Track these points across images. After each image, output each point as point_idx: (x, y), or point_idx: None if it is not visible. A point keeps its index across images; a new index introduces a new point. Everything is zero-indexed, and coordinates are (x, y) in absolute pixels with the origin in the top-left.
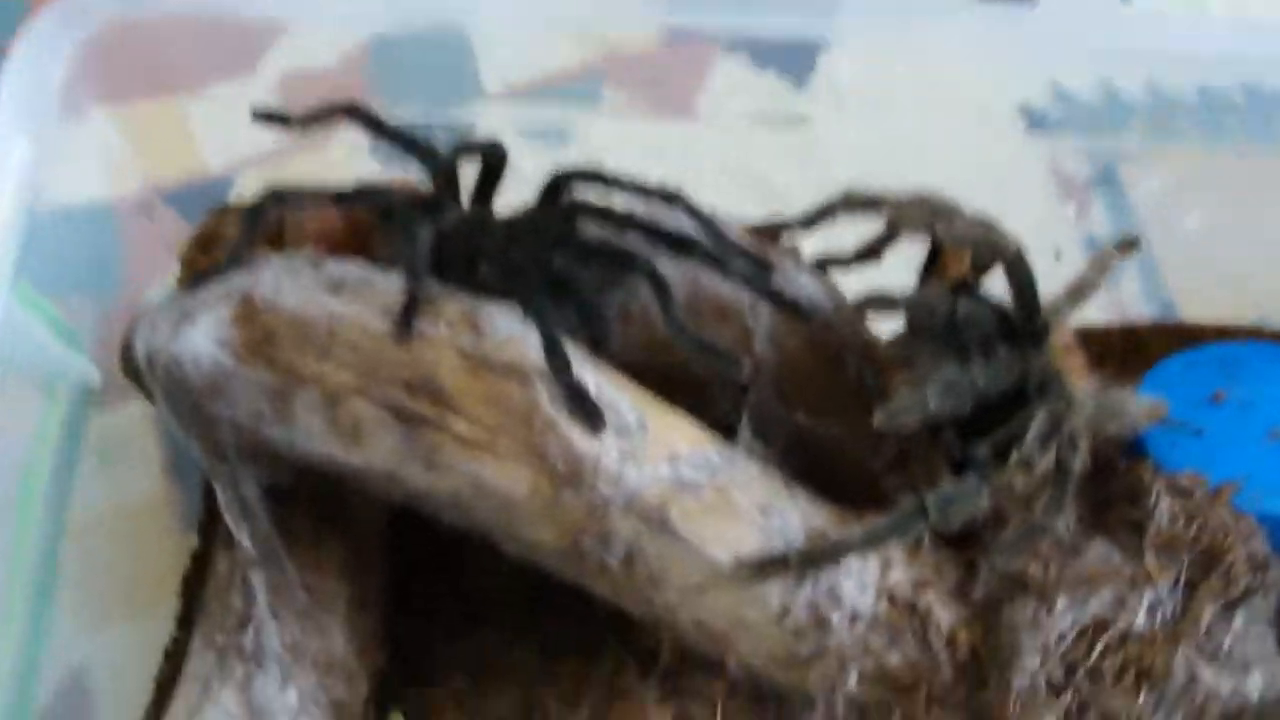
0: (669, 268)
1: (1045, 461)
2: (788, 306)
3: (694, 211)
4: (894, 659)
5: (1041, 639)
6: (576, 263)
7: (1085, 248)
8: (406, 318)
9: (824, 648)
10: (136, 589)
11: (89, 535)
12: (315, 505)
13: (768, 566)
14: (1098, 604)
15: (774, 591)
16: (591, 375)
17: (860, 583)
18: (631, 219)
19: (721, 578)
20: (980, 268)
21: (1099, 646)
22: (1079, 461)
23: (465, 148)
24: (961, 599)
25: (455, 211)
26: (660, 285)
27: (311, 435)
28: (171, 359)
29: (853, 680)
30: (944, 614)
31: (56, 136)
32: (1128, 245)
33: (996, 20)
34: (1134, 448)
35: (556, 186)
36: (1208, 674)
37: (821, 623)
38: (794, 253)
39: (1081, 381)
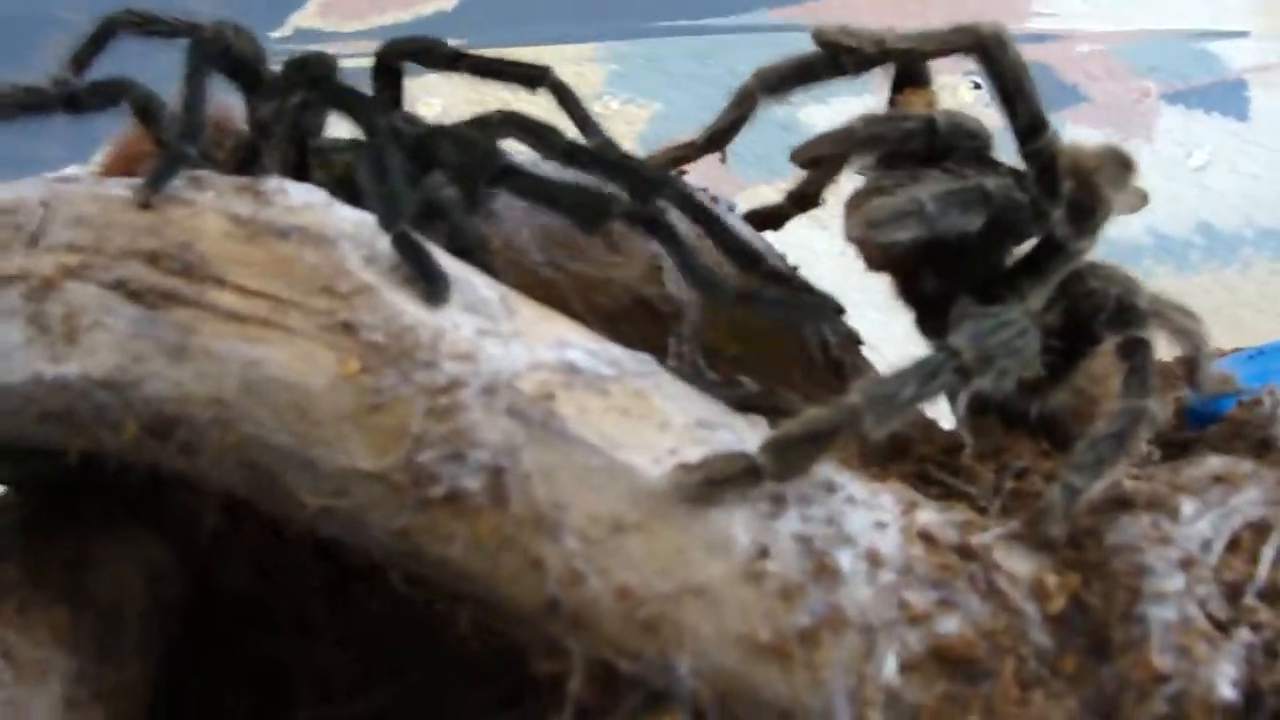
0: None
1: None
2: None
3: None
4: (951, 625)
5: (1177, 553)
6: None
7: None
8: (158, 177)
9: (835, 614)
10: None
11: None
12: (32, 554)
13: (727, 472)
14: (1245, 503)
15: (738, 522)
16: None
17: (872, 517)
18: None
19: (651, 500)
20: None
21: (1268, 555)
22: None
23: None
24: (1031, 542)
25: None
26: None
27: (10, 354)
28: None
29: (889, 669)
30: (1013, 558)
31: None
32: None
33: None
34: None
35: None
36: None
37: (825, 569)
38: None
39: None
